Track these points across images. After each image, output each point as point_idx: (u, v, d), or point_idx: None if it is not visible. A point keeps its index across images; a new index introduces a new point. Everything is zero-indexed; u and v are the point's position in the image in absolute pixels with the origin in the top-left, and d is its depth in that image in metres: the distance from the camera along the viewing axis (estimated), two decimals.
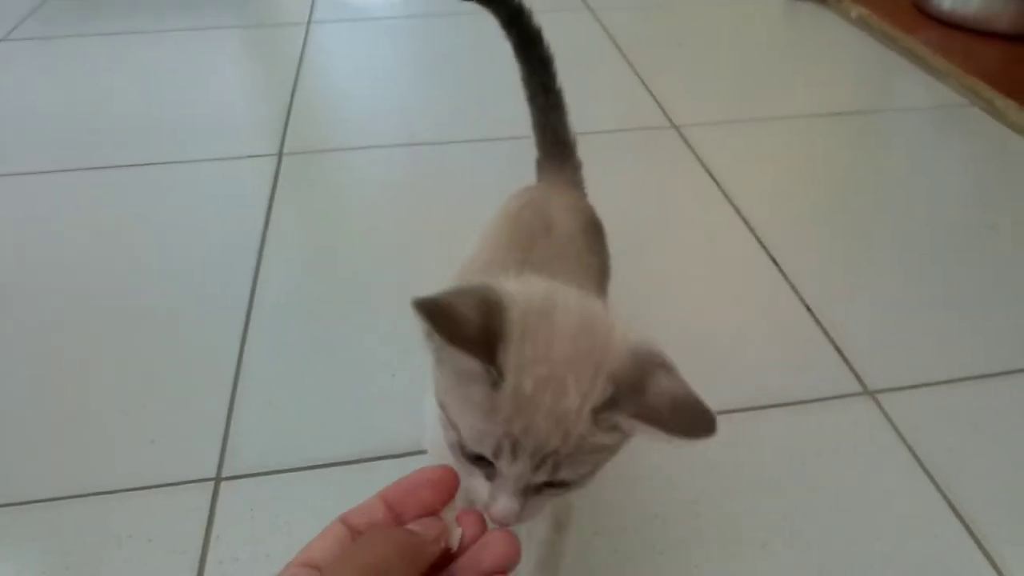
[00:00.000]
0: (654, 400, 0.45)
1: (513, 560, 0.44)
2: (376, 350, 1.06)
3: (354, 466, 0.91)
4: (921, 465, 0.91)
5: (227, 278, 1.19)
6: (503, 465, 0.47)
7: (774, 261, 1.22)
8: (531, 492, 0.48)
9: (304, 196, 1.42)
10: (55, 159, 1.50)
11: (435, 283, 1.12)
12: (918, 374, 1.03)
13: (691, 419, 0.45)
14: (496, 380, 0.45)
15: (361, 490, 0.86)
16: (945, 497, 0.87)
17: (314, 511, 0.86)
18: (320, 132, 1.63)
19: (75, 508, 0.87)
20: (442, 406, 0.50)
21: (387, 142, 1.56)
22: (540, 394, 0.45)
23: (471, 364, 0.46)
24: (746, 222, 1.31)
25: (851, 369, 1.04)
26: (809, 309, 1.13)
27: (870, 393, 1.00)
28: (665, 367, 0.47)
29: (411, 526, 0.43)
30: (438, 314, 0.46)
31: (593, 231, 0.82)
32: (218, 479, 0.89)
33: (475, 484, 0.49)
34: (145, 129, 1.61)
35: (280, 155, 1.51)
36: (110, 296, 1.17)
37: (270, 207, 1.35)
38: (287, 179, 1.44)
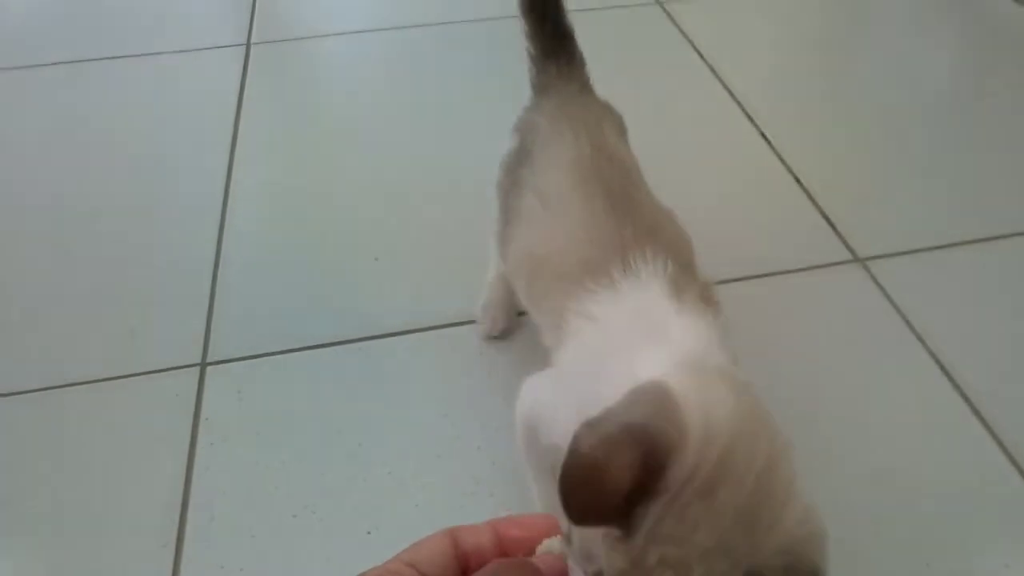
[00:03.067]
0: None
1: None
2: (358, 236, 1.04)
3: (338, 347, 0.90)
4: (912, 328, 0.91)
5: (200, 172, 1.16)
6: None
7: (761, 133, 1.19)
8: None
9: (275, 88, 1.37)
10: (12, 56, 1.42)
11: (416, 178, 1.12)
12: (908, 241, 1.02)
13: None
14: (623, 536, 0.39)
15: (346, 370, 0.87)
16: (935, 358, 0.87)
17: (301, 391, 0.85)
18: (289, 19, 1.56)
19: (59, 398, 0.85)
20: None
21: (360, 27, 1.49)
22: (659, 571, 0.39)
23: None
24: (732, 95, 1.27)
25: (840, 237, 1.02)
26: (797, 179, 1.11)
27: (860, 260, 0.99)
28: None
29: (538, 563, 0.41)
30: (583, 488, 0.37)
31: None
32: (203, 364, 0.88)
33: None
34: (105, 21, 1.53)
35: (248, 45, 1.44)
36: (81, 193, 1.13)
37: (240, 101, 1.30)
38: (257, 71, 1.38)
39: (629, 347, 0.50)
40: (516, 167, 0.76)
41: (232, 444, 0.80)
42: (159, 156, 1.20)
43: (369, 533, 0.72)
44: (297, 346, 0.90)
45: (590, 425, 0.38)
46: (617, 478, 0.37)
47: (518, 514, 0.43)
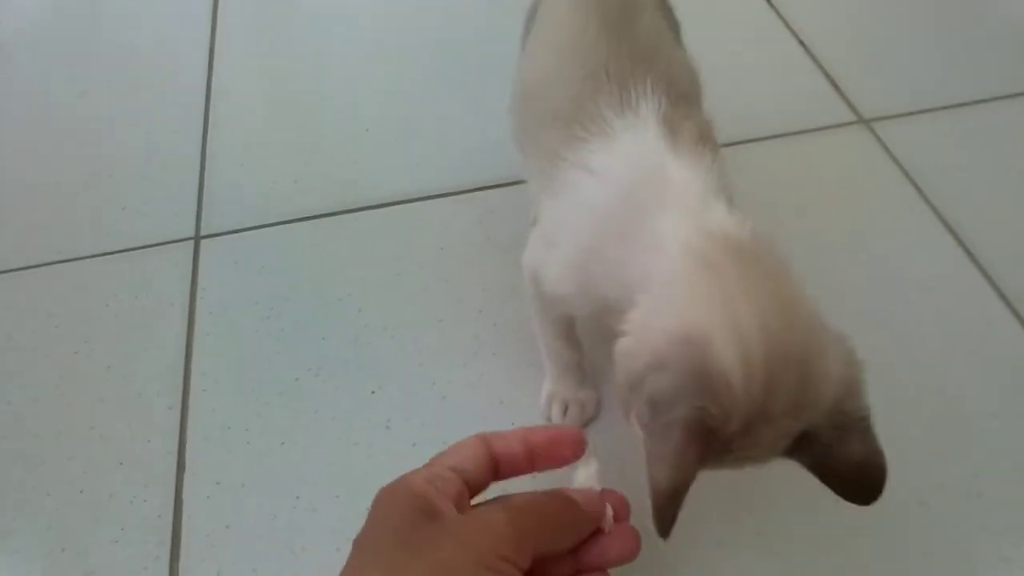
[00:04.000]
0: (837, 463, 0.44)
1: (633, 556, 0.48)
2: (348, 106, 1.01)
3: (332, 218, 0.88)
4: (917, 188, 0.89)
5: (184, 44, 1.12)
6: None
7: None
8: None
9: None
10: None
11: (407, 45, 1.08)
12: (913, 101, 0.99)
13: (864, 487, 0.44)
14: None
15: (341, 241, 0.86)
16: (940, 217, 0.86)
17: (298, 261, 0.85)
18: None
19: (56, 273, 0.85)
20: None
21: None
22: (736, 463, 0.44)
23: None
24: None
25: (845, 99, 1.00)
26: (801, 42, 1.08)
27: (865, 121, 0.97)
28: (863, 429, 0.44)
29: (575, 496, 0.46)
30: (672, 510, 0.41)
31: (667, 5, 0.72)
32: (197, 237, 0.87)
33: None
34: None
35: None
36: (66, 73, 1.10)
37: None
38: None
39: (633, 210, 0.50)
40: (533, 11, 0.73)
41: (231, 313, 0.80)
42: (142, 30, 1.16)
43: (373, 392, 0.73)
44: (291, 218, 0.88)
45: (655, 438, 0.41)
46: (693, 477, 0.40)
47: (543, 426, 0.51)
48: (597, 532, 0.48)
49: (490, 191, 0.90)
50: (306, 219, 0.88)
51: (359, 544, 0.42)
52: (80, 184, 0.94)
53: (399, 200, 0.89)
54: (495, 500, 0.46)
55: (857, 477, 0.44)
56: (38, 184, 0.94)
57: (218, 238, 0.87)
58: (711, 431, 0.40)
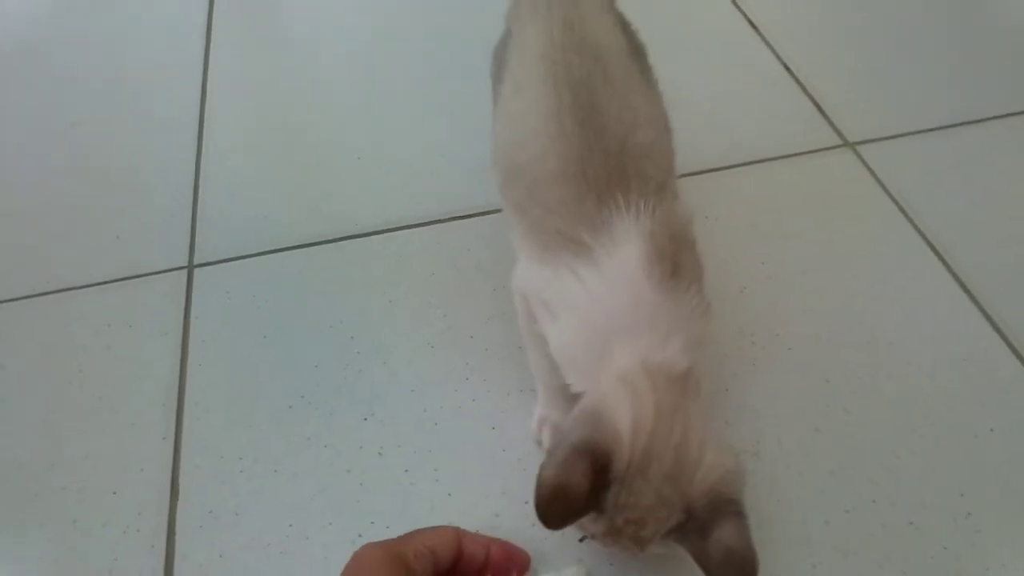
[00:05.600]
0: (712, 547, 0.51)
1: None
2: (340, 135, 1.02)
3: (325, 246, 0.89)
4: (902, 210, 0.90)
5: (177, 75, 1.13)
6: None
7: (749, 20, 1.17)
8: None
9: None
10: None
11: (397, 74, 1.10)
12: (897, 124, 1.01)
13: (738, 573, 0.50)
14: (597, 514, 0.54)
15: (333, 269, 0.86)
16: (925, 238, 0.87)
17: (290, 289, 0.85)
18: None
19: (48, 304, 0.85)
20: None
21: None
22: (626, 527, 0.53)
23: None
24: None
25: (830, 122, 1.01)
26: (786, 66, 1.09)
27: (850, 145, 0.98)
28: (736, 515, 0.52)
29: None
30: (553, 504, 0.51)
31: (630, 31, 0.73)
32: (191, 266, 0.87)
33: None
34: None
35: None
36: (61, 103, 1.11)
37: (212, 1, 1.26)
38: None
39: (606, 329, 0.58)
40: (503, 52, 0.74)
41: (224, 341, 0.80)
42: (134, 60, 1.17)
43: (366, 419, 0.73)
44: (283, 246, 0.89)
45: (549, 454, 0.52)
46: (578, 487, 0.50)
47: (511, 544, 0.60)
48: None
49: (481, 218, 0.91)
50: (299, 247, 0.89)
51: None
52: (73, 214, 0.94)
53: (391, 227, 0.90)
54: None
55: (728, 561, 0.50)
56: (31, 214, 0.95)
57: (211, 267, 0.87)
58: (596, 458, 0.51)
